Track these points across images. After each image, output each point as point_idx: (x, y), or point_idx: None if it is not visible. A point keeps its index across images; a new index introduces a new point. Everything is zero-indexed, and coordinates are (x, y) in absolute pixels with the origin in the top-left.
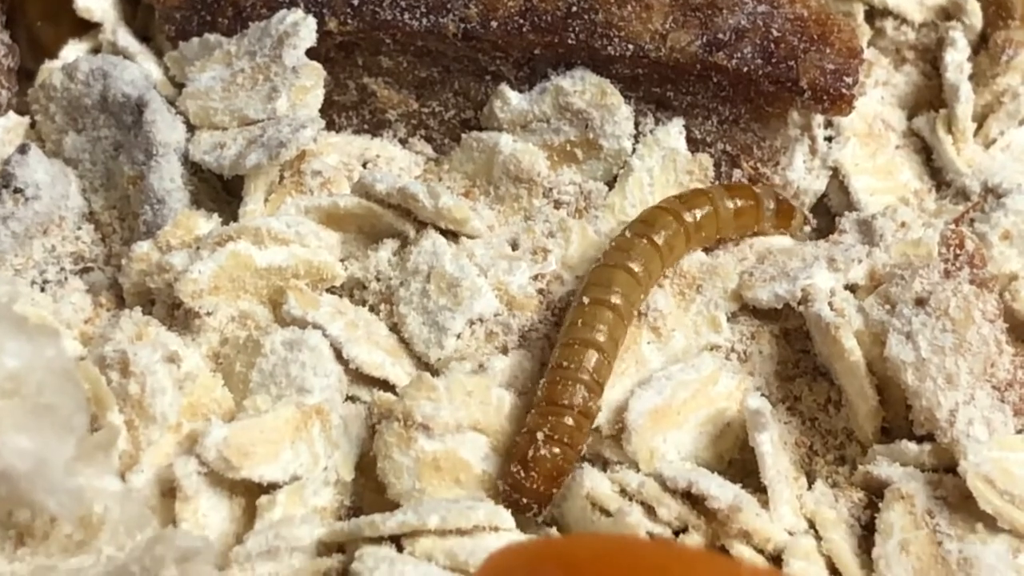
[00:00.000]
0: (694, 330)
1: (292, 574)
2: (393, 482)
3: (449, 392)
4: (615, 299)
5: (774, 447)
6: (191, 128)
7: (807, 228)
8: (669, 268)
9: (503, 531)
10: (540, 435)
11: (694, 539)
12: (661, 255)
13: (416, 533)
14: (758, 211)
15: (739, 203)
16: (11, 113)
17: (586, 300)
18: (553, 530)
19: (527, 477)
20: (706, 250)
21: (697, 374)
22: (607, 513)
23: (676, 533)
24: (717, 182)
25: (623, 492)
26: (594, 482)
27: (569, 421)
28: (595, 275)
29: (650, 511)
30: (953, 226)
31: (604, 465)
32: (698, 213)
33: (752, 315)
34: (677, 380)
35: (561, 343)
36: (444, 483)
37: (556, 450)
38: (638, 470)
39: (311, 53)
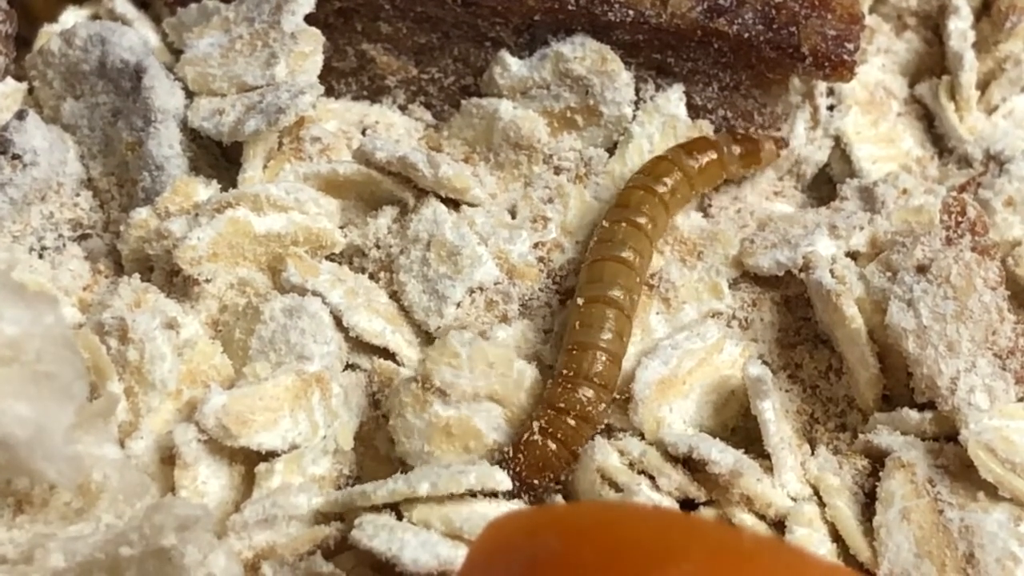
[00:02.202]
0: (696, 297)
1: (289, 542)
2: (403, 440)
3: (471, 360)
4: (616, 293)
5: (776, 414)
6: (190, 94)
7: (783, 152)
8: (656, 244)
9: (501, 497)
10: (536, 425)
11: (707, 513)
12: (649, 236)
13: (412, 500)
14: (722, 160)
15: (702, 159)
16: (9, 79)
17: (581, 301)
18: (559, 498)
19: (513, 459)
20: (706, 216)
21: (703, 343)
22: (617, 487)
23: (681, 504)
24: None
25: (631, 465)
26: (605, 455)
27: (570, 422)
28: (590, 271)
29: (654, 481)
30: (955, 193)
31: (608, 432)
32: (669, 182)
33: (753, 282)
34: (683, 349)
35: (565, 347)
36: (453, 449)
37: (551, 444)
38: (642, 438)
39: (310, 19)
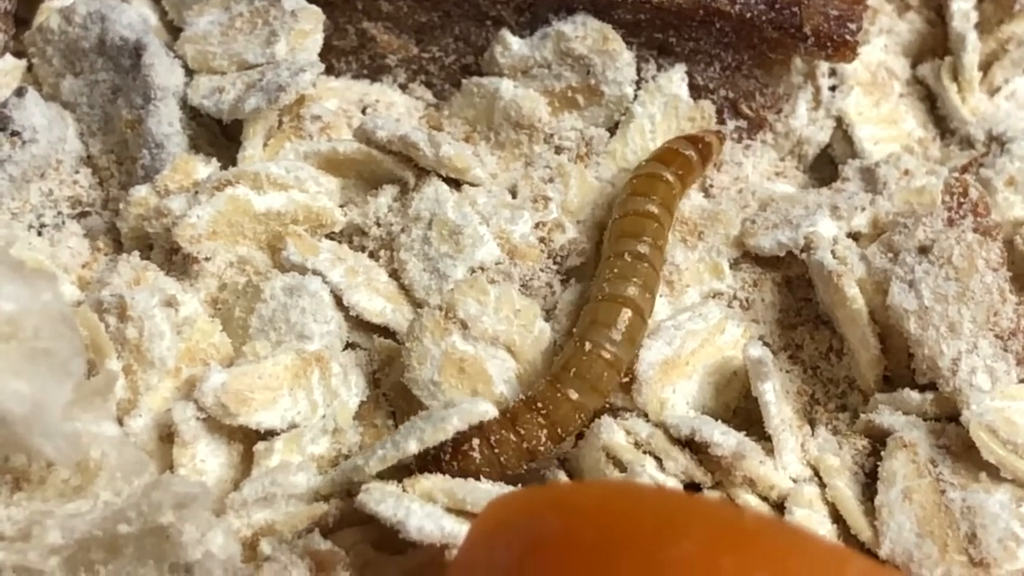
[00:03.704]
0: (697, 278)
1: (287, 519)
2: (414, 366)
3: (498, 302)
4: (609, 348)
5: (777, 396)
6: (189, 72)
7: (725, 144)
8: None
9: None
10: (476, 442)
11: (712, 494)
12: (653, 264)
13: (414, 475)
14: (691, 167)
15: (680, 171)
16: (8, 56)
17: (588, 346)
18: (561, 475)
19: (447, 463)
20: (707, 196)
21: (705, 323)
22: (621, 467)
23: (686, 487)
24: (718, 128)
25: (637, 445)
26: (611, 434)
27: (518, 449)
28: (594, 312)
29: (661, 464)
30: (957, 174)
31: (613, 412)
32: (663, 200)
33: (754, 262)
34: (686, 330)
35: (549, 378)
36: (461, 387)
37: (485, 466)
38: (647, 418)
39: None
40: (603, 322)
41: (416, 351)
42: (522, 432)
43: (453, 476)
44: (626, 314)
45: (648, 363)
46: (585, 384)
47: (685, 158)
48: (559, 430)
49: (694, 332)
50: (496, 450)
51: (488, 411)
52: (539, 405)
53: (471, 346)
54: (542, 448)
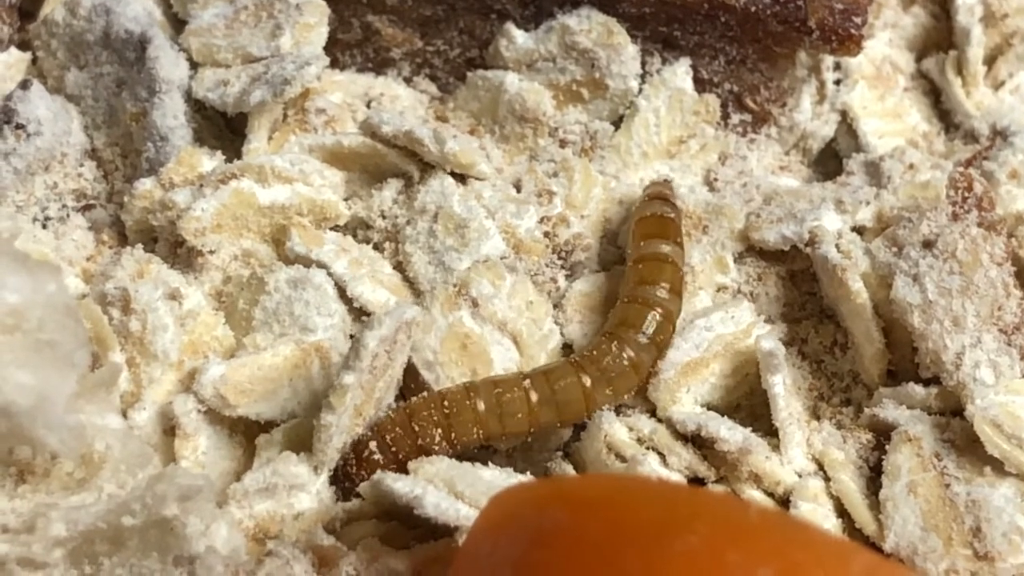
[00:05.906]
0: (708, 279)
1: (293, 516)
2: (419, 334)
3: (512, 289)
4: (535, 400)
5: (786, 389)
6: (194, 65)
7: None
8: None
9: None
10: (374, 444)
11: (718, 488)
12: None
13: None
14: (679, 228)
15: (677, 239)
16: (13, 49)
17: (524, 382)
18: (568, 468)
19: (356, 474)
20: (712, 190)
21: (735, 327)
22: (623, 459)
23: (689, 482)
24: (721, 123)
25: (640, 441)
26: (612, 427)
27: (409, 443)
28: (551, 367)
29: (664, 459)
30: (961, 168)
31: (616, 409)
32: (671, 282)
33: (759, 256)
34: (716, 333)
35: (466, 384)
36: (461, 364)
37: (391, 464)
38: (652, 415)
39: None
40: (549, 376)
41: (422, 322)
42: (416, 429)
43: (359, 480)
44: (574, 383)
45: (671, 362)
46: (495, 409)
47: (673, 223)
48: (453, 435)
49: (722, 336)
50: (393, 448)
51: (414, 310)
52: (445, 404)
53: (477, 325)
54: (436, 448)
